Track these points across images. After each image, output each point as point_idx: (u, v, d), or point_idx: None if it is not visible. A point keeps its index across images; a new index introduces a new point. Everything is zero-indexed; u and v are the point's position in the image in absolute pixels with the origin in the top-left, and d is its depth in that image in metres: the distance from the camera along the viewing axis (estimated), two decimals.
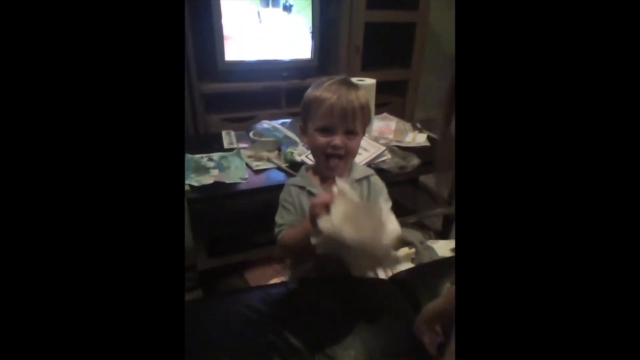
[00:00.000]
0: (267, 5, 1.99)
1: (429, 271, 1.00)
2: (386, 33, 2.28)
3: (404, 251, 1.48)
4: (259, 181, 1.30)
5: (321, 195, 0.72)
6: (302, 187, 0.86)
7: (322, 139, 0.77)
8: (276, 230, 0.86)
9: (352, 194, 0.66)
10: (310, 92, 0.79)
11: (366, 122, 0.81)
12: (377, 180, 0.88)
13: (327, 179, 0.84)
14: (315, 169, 0.87)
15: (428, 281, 0.93)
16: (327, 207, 0.62)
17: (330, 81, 0.78)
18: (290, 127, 1.54)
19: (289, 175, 1.31)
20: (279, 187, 1.30)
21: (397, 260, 0.71)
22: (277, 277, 1.41)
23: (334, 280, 0.89)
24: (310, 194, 0.84)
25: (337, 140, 0.76)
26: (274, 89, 2.09)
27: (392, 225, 0.65)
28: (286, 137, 1.46)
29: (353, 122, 0.76)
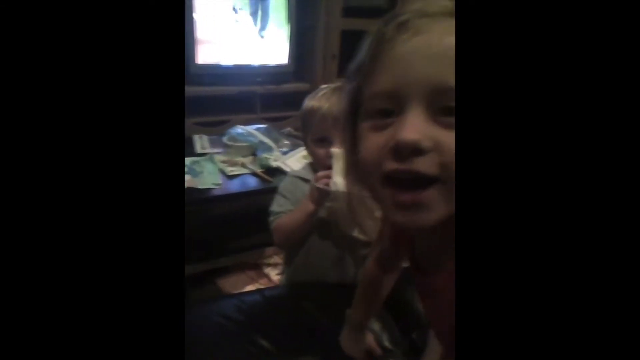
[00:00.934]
0: (239, 10, 1.97)
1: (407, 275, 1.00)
2: (362, 41, 2.32)
3: None
4: (233, 187, 1.27)
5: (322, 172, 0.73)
6: (305, 180, 0.84)
7: (319, 151, 0.76)
8: (271, 218, 0.85)
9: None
10: (306, 103, 0.78)
11: None
12: None
13: None
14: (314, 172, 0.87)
15: (408, 286, 0.94)
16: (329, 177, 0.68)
17: (324, 90, 0.77)
18: (265, 132, 1.52)
19: (264, 180, 1.30)
20: (253, 193, 1.29)
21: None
22: (251, 284, 1.38)
23: (312, 286, 0.88)
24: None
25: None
26: (248, 93, 2.07)
27: None
28: (261, 142, 1.44)
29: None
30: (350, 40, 2.22)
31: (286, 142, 1.49)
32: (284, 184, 0.89)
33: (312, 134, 0.77)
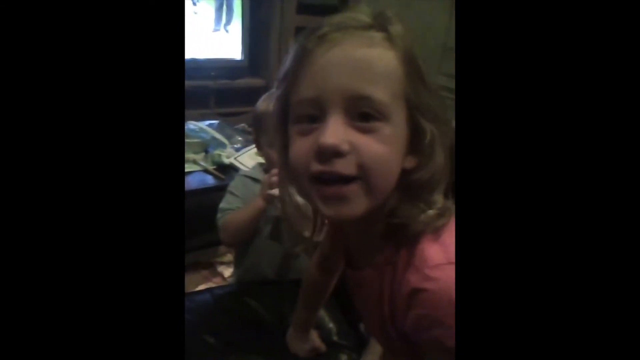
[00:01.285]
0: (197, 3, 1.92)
1: None
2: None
3: None
4: (185, 185, 1.25)
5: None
6: (255, 179, 0.85)
7: (274, 154, 0.76)
8: (219, 215, 0.85)
9: None
10: (260, 105, 0.78)
11: None
12: None
13: None
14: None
15: None
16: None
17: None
18: (218, 128, 1.50)
19: (216, 178, 1.28)
20: (205, 191, 1.27)
21: None
22: (205, 283, 1.36)
23: (261, 285, 0.89)
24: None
25: None
26: (202, 88, 2.02)
27: None
28: (214, 138, 1.42)
29: None
30: None
31: (239, 138, 1.48)
32: (234, 183, 0.89)
33: (268, 137, 0.77)
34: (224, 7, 1.99)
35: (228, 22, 2.01)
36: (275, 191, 0.69)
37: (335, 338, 0.80)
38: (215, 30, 2.00)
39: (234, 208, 0.84)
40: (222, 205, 0.86)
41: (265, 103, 0.77)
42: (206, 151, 1.40)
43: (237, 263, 0.97)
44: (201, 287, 1.33)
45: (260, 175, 0.86)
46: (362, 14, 0.37)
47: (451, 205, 0.39)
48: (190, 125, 1.46)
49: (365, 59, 0.34)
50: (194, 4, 1.91)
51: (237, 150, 1.41)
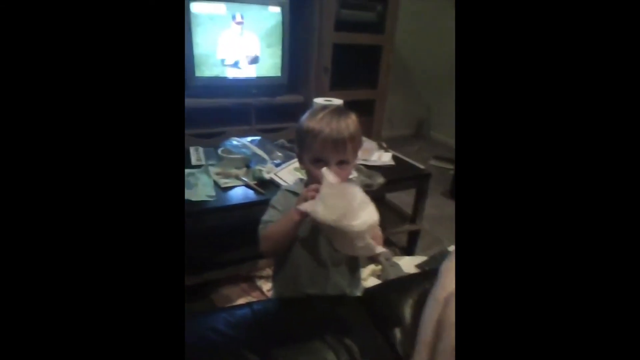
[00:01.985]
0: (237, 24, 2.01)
1: (393, 288, 1.02)
2: (354, 54, 2.36)
3: (370, 268, 1.51)
4: (227, 199, 1.29)
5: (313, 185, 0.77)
6: (295, 193, 0.88)
7: (316, 170, 0.80)
8: (260, 226, 0.88)
9: (333, 179, 0.74)
10: (304, 123, 0.81)
11: (357, 148, 0.84)
12: None
13: None
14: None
15: (393, 298, 0.96)
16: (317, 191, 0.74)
17: (323, 112, 0.80)
18: (259, 144, 1.54)
19: (257, 192, 1.32)
20: (246, 205, 1.30)
21: (371, 249, 0.74)
22: (244, 297, 1.39)
23: (299, 300, 0.90)
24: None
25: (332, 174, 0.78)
26: (243, 105, 2.09)
27: (366, 212, 0.72)
28: (255, 154, 1.46)
29: (344, 153, 0.79)
30: (342, 54, 2.27)
31: (279, 154, 1.52)
32: (276, 197, 0.92)
33: (311, 154, 0.80)
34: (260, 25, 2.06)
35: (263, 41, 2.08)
36: (306, 205, 0.73)
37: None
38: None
39: (275, 221, 0.86)
40: (264, 217, 0.89)
41: (314, 122, 0.80)
42: (248, 166, 1.44)
43: (275, 276, 0.99)
44: (240, 301, 1.36)
45: (301, 189, 0.88)
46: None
47: None
48: (233, 141, 1.52)
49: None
50: (233, 17, 2.00)
51: (277, 165, 1.44)
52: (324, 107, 0.83)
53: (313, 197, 0.74)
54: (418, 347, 0.80)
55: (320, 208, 0.71)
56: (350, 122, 0.80)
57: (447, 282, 0.84)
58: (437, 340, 0.75)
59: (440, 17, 3.06)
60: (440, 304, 0.79)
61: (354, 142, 0.80)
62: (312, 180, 0.82)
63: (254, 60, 2.08)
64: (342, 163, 0.80)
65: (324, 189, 0.72)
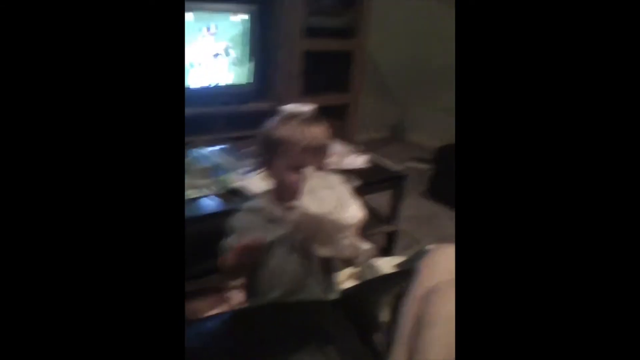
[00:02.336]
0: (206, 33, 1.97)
1: (370, 288, 1.00)
2: (325, 60, 2.35)
3: (348, 271, 1.47)
4: (193, 210, 1.24)
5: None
6: (257, 211, 0.86)
7: (293, 177, 0.78)
8: (219, 253, 0.86)
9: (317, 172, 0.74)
10: (277, 130, 0.80)
11: (328, 154, 0.84)
12: None
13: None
14: (277, 195, 0.87)
15: (370, 299, 0.93)
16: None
17: (297, 119, 0.80)
18: (226, 153, 1.50)
19: (226, 201, 1.27)
20: (214, 216, 1.26)
21: (355, 248, 0.73)
22: (216, 309, 1.33)
23: (273, 309, 0.86)
24: (272, 220, 0.84)
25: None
26: (212, 114, 2.05)
27: (355, 206, 0.70)
28: (222, 163, 1.42)
29: (321, 160, 0.80)
30: (313, 60, 2.26)
31: (247, 162, 1.47)
32: (236, 217, 0.88)
33: (289, 161, 0.79)
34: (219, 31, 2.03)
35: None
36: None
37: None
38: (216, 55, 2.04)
39: (234, 246, 0.82)
40: (223, 243, 0.86)
41: (290, 131, 0.78)
42: (215, 176, 1.40)
43: (248, 286, 0.95)
44: (213, 312, 1.30)
45: (266, 204, 0.86)
46: None
47: None
48: (199, 151, 1.47)
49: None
50: (208, 29, 1.96)
51: (245, 173, 1.40)
52: (295, 114, 0.81)
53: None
54: (396, 345, 0.78)
55: (310, 201, 0.68)
56: (324, 128, 0.81)
57: (424, 279, 0.83)
58: (416, 337, 0.73)
59: (413, 20, 3.11)
60: (418, 301, 0.78)
61: (328, 148, 0.82)
62: (288, 188, 0.79)
63: (223, 68, 2.04)
64: (319, 169, 0.79)
65: (313, 181, 0.70)
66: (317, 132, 0.78)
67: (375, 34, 2.63)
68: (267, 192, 0.91)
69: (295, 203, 0.70)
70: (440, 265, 0.83)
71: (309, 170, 0.75)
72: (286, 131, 0.79)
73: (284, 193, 0.83)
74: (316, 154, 0.78)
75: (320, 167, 0.79)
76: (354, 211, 0.70)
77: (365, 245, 0.74)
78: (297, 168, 0.78)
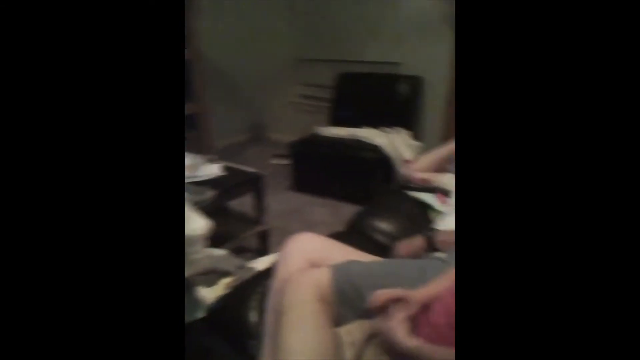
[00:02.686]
0: None
1: (235, 296, 1.00)
2: None
3: (223, 282, 1.47)
4: None
5: None
6: None
7: None
8: None
9: None
10: None
11: None
12: None
13: None
14: None
15: (237, 307, 0.94)
16: None
17: None
18: None
19: None
20: None
21: (211, 259, 0.75)
22: None
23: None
24: None
25: None
26: None
27: (196, 221, 0.75)
28: None
29: None
30: None
31: None
32: None
33: None
34: None
35: None
36: None
37: None
38: None
39: None
40: None
41: None
42: None
43: None
44: None
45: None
46: None
47: None
48: None
49: None
50: None
51: None
52: None
53: None
54: (264, 344, 0.81)
55: None
56: None
57: (281, 271, 0.87)
58: (276, 330, 0.76)
59: (243, 28, 3.15)
60: (278, 294, 0.81)
61: None
62: None
63: None
64: None
65: None
66: None
67: (208, 39, 2.62)
68: None
69: None
70: (293, 255, 0.88)
71: None
72: None
73: None
74: None
75: None
76: (197, 224, 0.71)
77: (218, 252, 0.76)
78: None
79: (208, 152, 2.15)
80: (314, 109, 3.15)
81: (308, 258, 0.87)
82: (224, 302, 1.00)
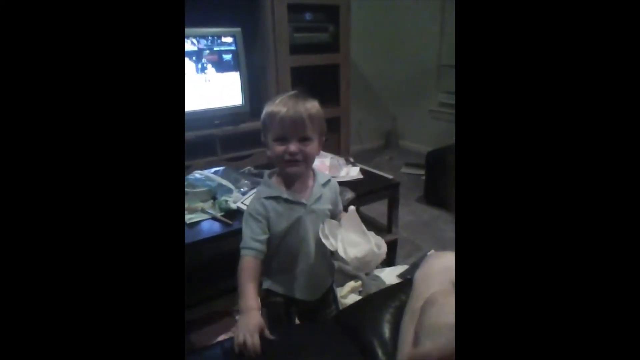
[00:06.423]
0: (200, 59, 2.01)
1: (370, 304, 1.00)
2: (312, 75, 2.39)
3: (350, 285, 1.48)
4: (194, 235, 1.25)
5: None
6: (276, 198, 0.90)
7: (278, 148, 0.86)
8: (242, 252, 0.89)
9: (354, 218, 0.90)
10: (266, 108, 0.88)
11: (319, 128, 0.89)
12: (334, 181, 1.02)
13: (292, 184, 0.91)
14: (279, 177, 0.93)
15: (370, 315, 0.93)
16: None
17: (282, 96, 0.88)
18: (223, 174, 1.52)
19: (225, 224, 1.29)
20: (215, 239, 1.27)
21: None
22: (225, 334, 1.34)
23: (273, 330, 0.87)
24: (288, 201, 0.89)
25: (292, 147, 0.85)
26: (207, 137, 2.08)
27: (376, 239, 0.89)
28: (220, 185, 1.44)
29: (304, 130, 0.85)
30: (301, 76, 2.30)
31: (245, 181, 1.50)
32: (251, 206, 0.92)
33: (272, 134, 0.87)
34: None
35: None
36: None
37: None
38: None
39: (254, 237, 0.88)
40: (242, 243, 0.90)
41: (273, 106, 0.86)
42: (214, 198, 1.42)
43: (268, 275, 0.97)
44: (222, 337, 1.31)
45: (278, 191, 0.90)
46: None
47: None
48: (196, 174, 1.49)
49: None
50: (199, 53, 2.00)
51: (244, 193, 1.42)
52: (282, 94, 0.90)
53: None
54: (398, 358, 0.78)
55: (348, 249, 0.86)
56: (310, 105, 0.86)
57: (422, 290, 0.83)
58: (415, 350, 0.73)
59: (391, 31, 3.16)
60: (417, 314, 0.78)
61: (315, 122, 0.86)
62: (276, 158, 0.87)
63: (215, 91, 2.08)
64: (304, 140, 0.85)
65: (345, 234, 0.88)
66: (299, 105, 0.84)
67: (358, 47, 2.69)
68: (271, 174, 0.95)
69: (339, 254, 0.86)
70: (435, 275, 0.84)
71: (294, 142, 0.84)
72: (271, 107, 0.86)
73: (282, 174, 0.90)
74: (298, 126, 0.84)
75: (310, 138, 0.86)
76: (382, 242, 0.88)
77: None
78: (282, 139, 0.85)
79: (345, 154, 2.22)
80: (454, 119, 2.98)
81: (452, 279, 0.82)
82: (356, 307, 1.01)
